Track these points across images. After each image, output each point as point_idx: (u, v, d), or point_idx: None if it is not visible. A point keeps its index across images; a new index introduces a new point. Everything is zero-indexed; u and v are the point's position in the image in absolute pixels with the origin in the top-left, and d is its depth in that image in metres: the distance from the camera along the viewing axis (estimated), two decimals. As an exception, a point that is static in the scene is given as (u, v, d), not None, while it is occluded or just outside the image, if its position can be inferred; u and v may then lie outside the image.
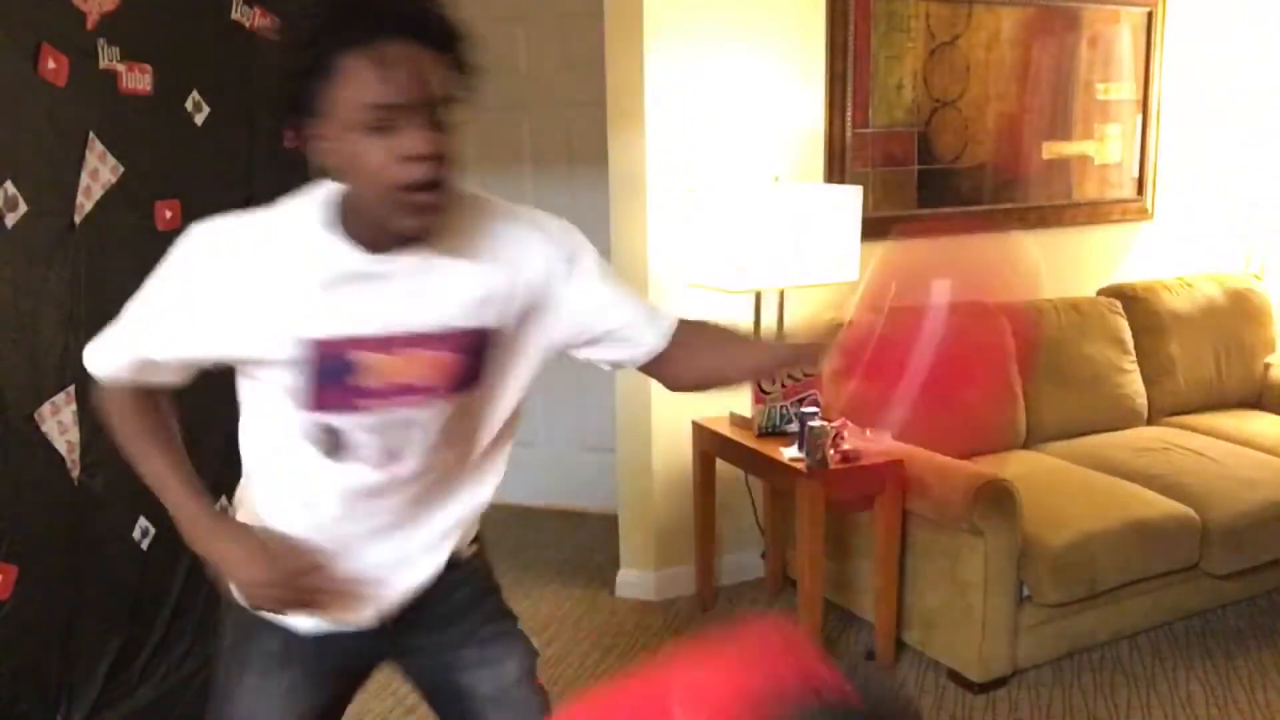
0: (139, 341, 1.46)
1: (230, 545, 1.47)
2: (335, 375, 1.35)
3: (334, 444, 1.43)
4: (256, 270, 1.35)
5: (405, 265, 1.33)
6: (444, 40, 1.29)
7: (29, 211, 2.47)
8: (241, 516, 1.59)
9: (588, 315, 1.48)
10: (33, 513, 2.52)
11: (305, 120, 1.25)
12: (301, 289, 1.32)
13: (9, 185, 2.42)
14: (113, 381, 1.51)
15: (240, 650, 1.58)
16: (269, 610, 1.47)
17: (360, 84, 1.18)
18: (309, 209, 1.36)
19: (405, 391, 1.38)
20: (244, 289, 1.35)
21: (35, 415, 2.53)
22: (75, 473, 2.65)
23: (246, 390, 1.52)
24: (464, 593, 1.64)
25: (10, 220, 2.44)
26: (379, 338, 1.34)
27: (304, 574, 1.44)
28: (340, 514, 1.49)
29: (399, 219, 1.25)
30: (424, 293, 1.35)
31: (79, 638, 2.69)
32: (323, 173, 1.33)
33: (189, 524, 1.52)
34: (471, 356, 1.41)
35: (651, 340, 1.50)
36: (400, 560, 1.54)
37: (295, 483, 1.50)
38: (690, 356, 1.53)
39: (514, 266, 1.42)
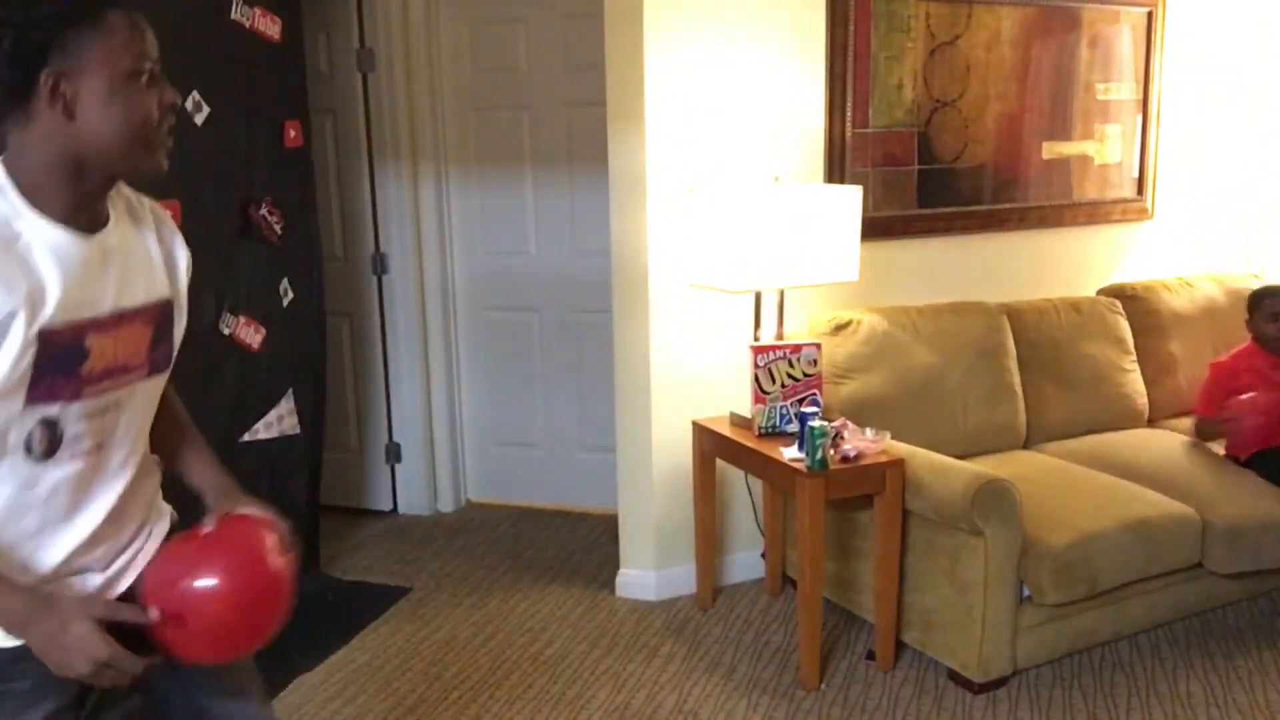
0: None
1: (56, 620, 1.32)
2: (67, 363, 1.32)
3: (51, 439, 1.35)
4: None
5: (116, 239, 1.40)
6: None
7: (29, 211, 2.47)
8: None
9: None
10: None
11: (47, 66, 1.27)
12: (39, 281, 1.28)
13: (9, 185, 2.41)
14: None
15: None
16: (105, 684, 1.37)
17: (127, 39, 1.32)
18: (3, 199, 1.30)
19: (121, 371, 1.40)
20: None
21: None
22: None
23: None
24: None
25: (10, 220, 2.43)
26: (110, 317, 1.37)
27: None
28: (60, 519, 1.40)
29: (150, 158, 1.36)
30: (135, 265, 1.42)
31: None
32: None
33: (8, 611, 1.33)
34: (165, 328, 1.48)
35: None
36: (121, 566, 1.50)
37: (9, 503, 1.37)
38: (160, 416, 1.57)
39: (157, 233, 1.51)
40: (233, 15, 3.14)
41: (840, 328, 3.44)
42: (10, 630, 1.35)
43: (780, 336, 3.34)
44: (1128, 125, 4.18)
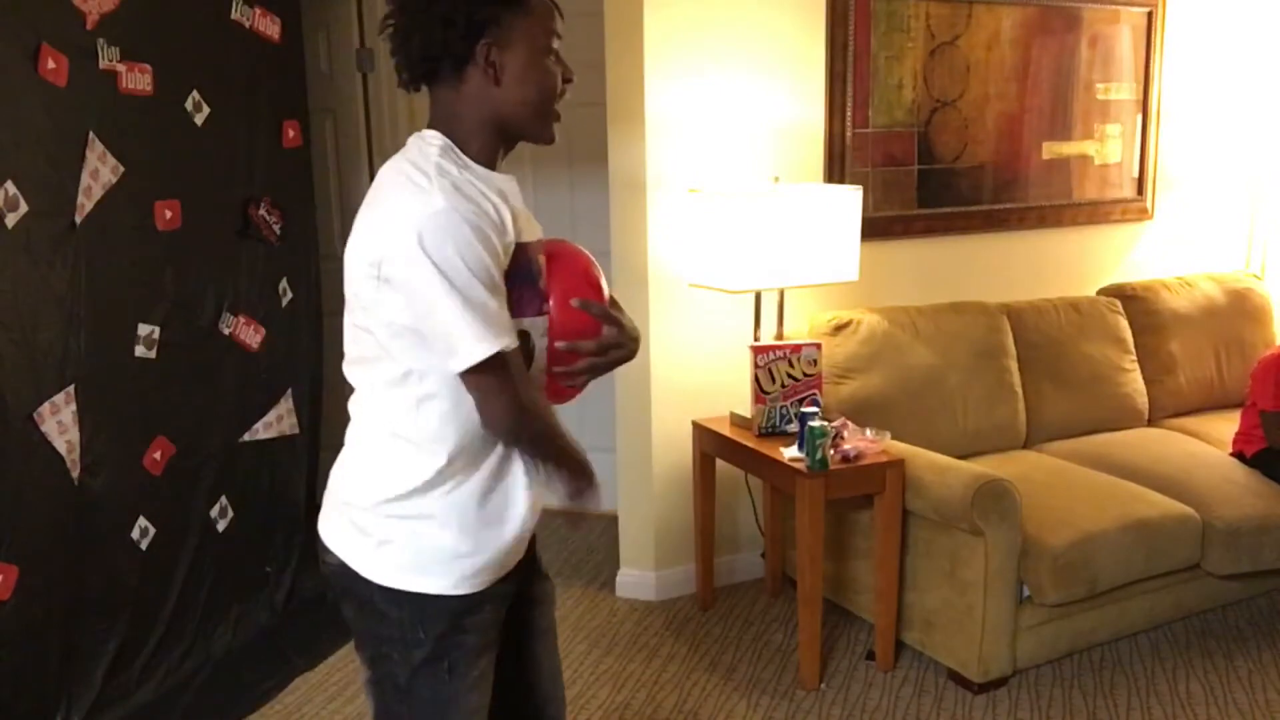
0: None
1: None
2: (531, 278, 1.52)
3: (529, 354, 1.53)
4: (483, 213, 1.46)
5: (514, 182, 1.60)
6: None
7: (29, 211, 2.47)
8: (412, 494, 1.54)
9: None
10: (33, 513, 2.52)
11: (485, 37, 1.48)
12: (497, 211, 1.49)
13: (9, 185, 2.42)
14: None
15: (447, 658, 1.57)
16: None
17: (546, 20, 1.54)
18: (450, 160, 1.50)
19: (548, 295, 1.57)
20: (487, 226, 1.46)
21: (35, 415, 2.53)
22: (75, 473, 2.65)
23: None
24: None
25: (10, 220, 2.44)
26: (534, 241, 1.57)
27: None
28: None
29: (547, 128, 1.60)
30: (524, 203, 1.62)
31: (79, 638, 2.69)
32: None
33: (585, 466, 1.64)
34: None
35: None
36: (535, 490, 1.68)
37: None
38: None
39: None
40: (233, 15, 3.14)
41: (840, 328, 3.44)
42: (574, 487, 1.65)
43: (780, 336, 3.34)
44: (1128, 125, 4.18)
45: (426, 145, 1.51)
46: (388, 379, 1.51)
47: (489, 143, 1.55)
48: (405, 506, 1.52)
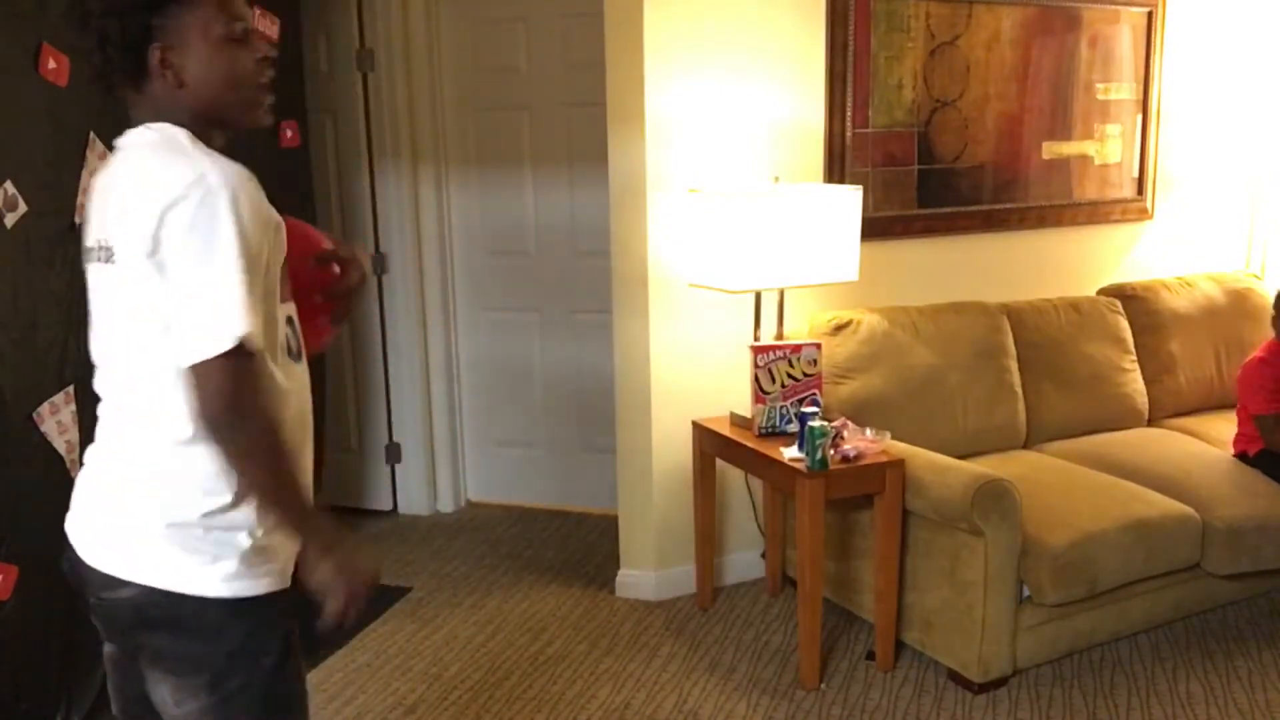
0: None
1: (348, 537, 1.47)
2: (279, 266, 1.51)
3: (296, 340, 1.54)
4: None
5: None
6: None
7: (29, 211, 2.47)
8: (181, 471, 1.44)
9: None
10: (33, 513, 2.52)
11: (153, 44, 1.42)
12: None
13: (9, 185, 2.42)
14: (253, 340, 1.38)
15: (289, 661, 1.52)
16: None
17: (216, 6, 1.45)
18: (193, 144, 1.45)
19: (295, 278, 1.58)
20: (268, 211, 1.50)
21: (35, 415, 2.53)
22: (75, 473, 2.64)
23: None
24: None
25: (10, 220, 2.44)
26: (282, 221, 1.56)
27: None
28: (302, 418, 1.56)
29: (254, 113, 1.53)
30: None
31: (79, 638, 2.69)
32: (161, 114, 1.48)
33: (322, 531, 1.46)
34: None
35: None
36: None
37: (287, 396, 1.50)
38: None
39: None
40: (232, 15, 3.14)
41: (840, 328, 3.44)
42: (317, 552, 1.43)
43: (780, 336, 3.34)
44: (1128, 125, 4.18)
45: (155, 130, 1.46)
46: (169, 375, 1.39)
47: (202, 135, 1.48)
48: (231, 517, 1.45)
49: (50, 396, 2.55)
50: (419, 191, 4.24)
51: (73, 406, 2.61)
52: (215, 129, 1.50)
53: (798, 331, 3.51)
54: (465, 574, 3.82)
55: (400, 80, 4.12)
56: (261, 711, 1.50)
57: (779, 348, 3.15)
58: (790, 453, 2.97)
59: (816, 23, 3.53)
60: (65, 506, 2.68)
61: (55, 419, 2.57)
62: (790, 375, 3.16)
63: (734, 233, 3.07)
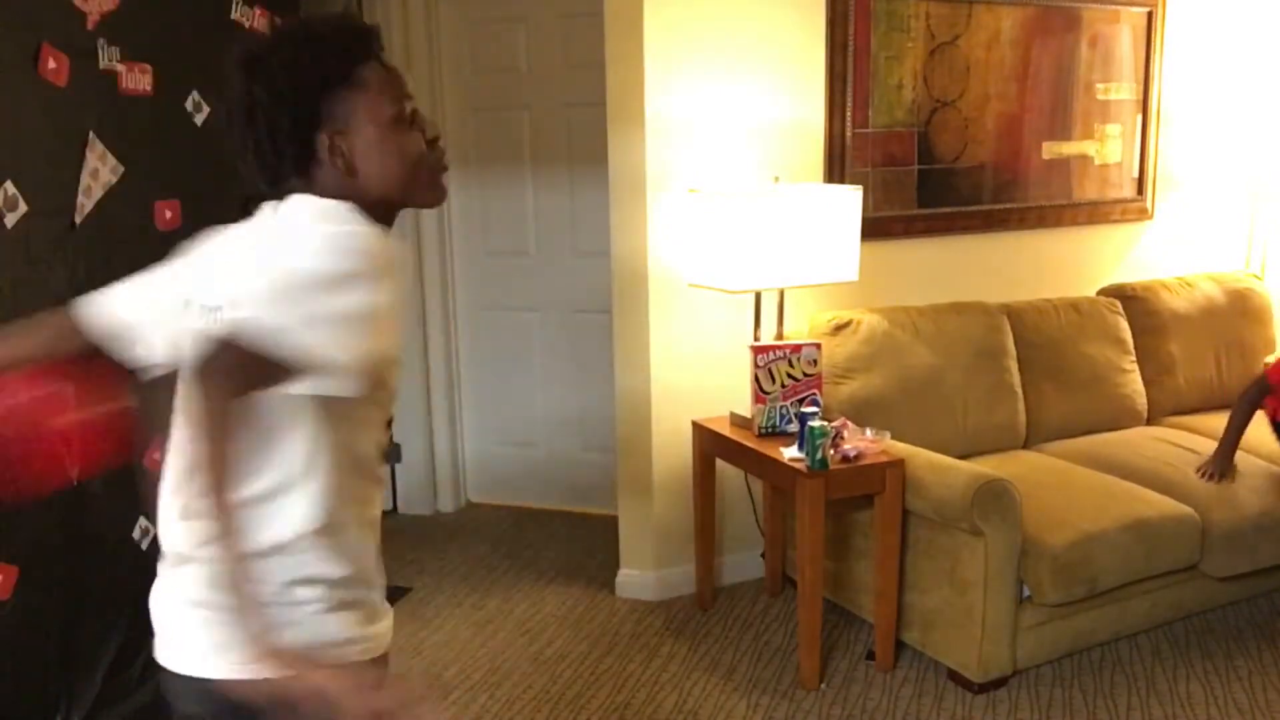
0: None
1: (327, 669, 1.24)
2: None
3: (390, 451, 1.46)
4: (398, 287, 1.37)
5: None
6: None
7: (29, 211, 2.47)
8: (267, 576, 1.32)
9: None
10: (33, 513, 2.52)
11: (320, 130, 1.38)
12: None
13: (9, 185, 2.42)
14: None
15: None
16: None
17: (382, 88, 1.42)
18: (356, 214, 1.37)
19: None
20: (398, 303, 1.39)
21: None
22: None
23: (314, 418, 1.34)
24: None
25: (10, 220, 2.43)
26: None
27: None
28: (374, 525, 1.47)
29: (430, 192, 1.47)
30: None
31: (79, 638, 2.69)
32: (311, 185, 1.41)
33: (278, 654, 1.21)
34: None
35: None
36: None
37: (359, 504, 1.41)
38: None
39: None
40: (233, 15, 3.14)
41: (840, 328, 3.44)
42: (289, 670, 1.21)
43: (780, 336, 3.34)
44: (1128, 125, 4.18)
45: (316, 202, 1.38)
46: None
47: (373, 218, 1.38)
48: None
49: (50, 396, 2.55)
50: (419, 191, 4.23)
51: (73, 406, 2.61)
52: (384, 208, 1.43)
53: (798, 331, 3.51)
54: (465, 574, 3.82)
55: (400, 80, 4.11)
56: None
57: (779, 348, 3.15)
58: (790, 453, 2.97)
59: (816, 23, 3.53)
60: (65, 507, 2.68)
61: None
62: (790, 375, 3.15)
63: (734, 233, 3.07)
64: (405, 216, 4.61)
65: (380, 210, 1.41)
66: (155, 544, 3.05)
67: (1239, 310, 4.12)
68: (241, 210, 1.58)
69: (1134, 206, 4.27)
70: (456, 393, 4.46)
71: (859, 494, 2.97)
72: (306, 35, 1.41)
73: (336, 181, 1.39)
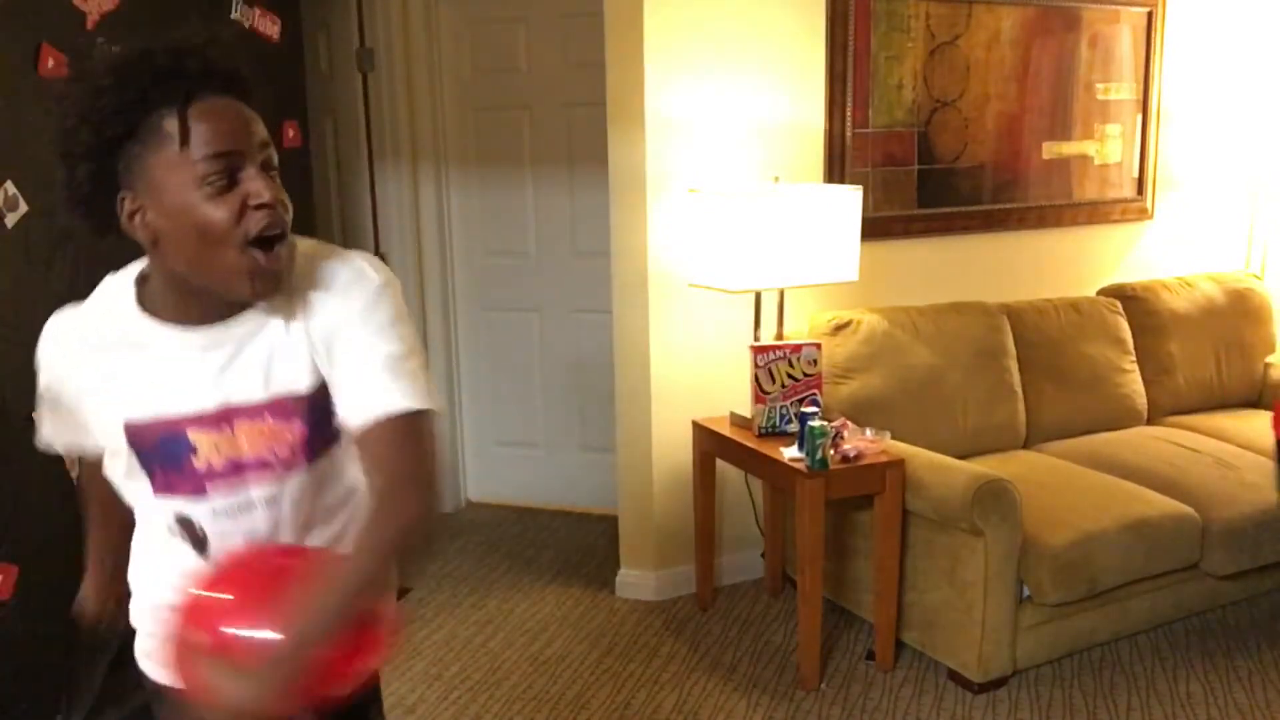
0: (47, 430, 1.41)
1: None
2: (175, 459, 1.28)
3: (194, 536, 1.32)
4: (83, 359, 1.32)
5: (239, 333, 1.26)
6: (245, 88, 1.23)
7: (29, 211, 2.47)
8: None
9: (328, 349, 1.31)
10: (33, 513, 2.52)
11: (115, 196, 1.18)
12: (126, 370, 1.27)
13: (9, 185, 2.42)
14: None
15: None
16: None
17: (193, 141, 1.15)
18: (123, 291, 1.30)
19: (257, 467, 1.30)
20: (75, 380, 1.34)
21: (35, 415, 2.53)
22: (75, 473, 2.64)
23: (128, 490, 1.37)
24: None
25: (10, 220, 2.44)
26: (213, 414, 1.27)
27: None
28: None
29: (240, 282, 1.18)
30: (251, 360, 1.27)
31: (79, 637, 2.69)
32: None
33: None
34: (320, 417, 1.30)
35: (345, 410, 1.28)
36: None
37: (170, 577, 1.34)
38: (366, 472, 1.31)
39: (309, 311, 1.29)
40: (232, 15, 3.14)
41: (840, 328, 3.44)
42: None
43: (780, 336, 3.34)
44: (1128, 125, 4.18)
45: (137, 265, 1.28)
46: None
47: (179, 301, 1.24)
48: None
49: (50, 396, 2.55)
50: (419, 191, 4.24)
51: (73, 406, 2.61)
52: (198, 296, 1.23)
53: (798, 331, 3.51)
54: (465, 574, 3.82)
55: (400, 80, 4.12)
56: None
57: (779, 348, 3.15)
58: (790, 453, 2.97)
59: (816, 23, 3.53)
60: (65, 507, 2.67)
61: (55, 419, 2.57)
62: (790, 375, 3.16)
63: (734, 232, 3.07)
64: (405, 216, 4.59)
65: (206, 295, 1.21)
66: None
67: (1239, 310, 4.12)
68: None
69: (1134, 206, 4.27)
70: (456, 393, 4.46)
71: (859, 494, 2.97)
72: (101, 73, 1.19)
73: (149, 254, 1.23)
